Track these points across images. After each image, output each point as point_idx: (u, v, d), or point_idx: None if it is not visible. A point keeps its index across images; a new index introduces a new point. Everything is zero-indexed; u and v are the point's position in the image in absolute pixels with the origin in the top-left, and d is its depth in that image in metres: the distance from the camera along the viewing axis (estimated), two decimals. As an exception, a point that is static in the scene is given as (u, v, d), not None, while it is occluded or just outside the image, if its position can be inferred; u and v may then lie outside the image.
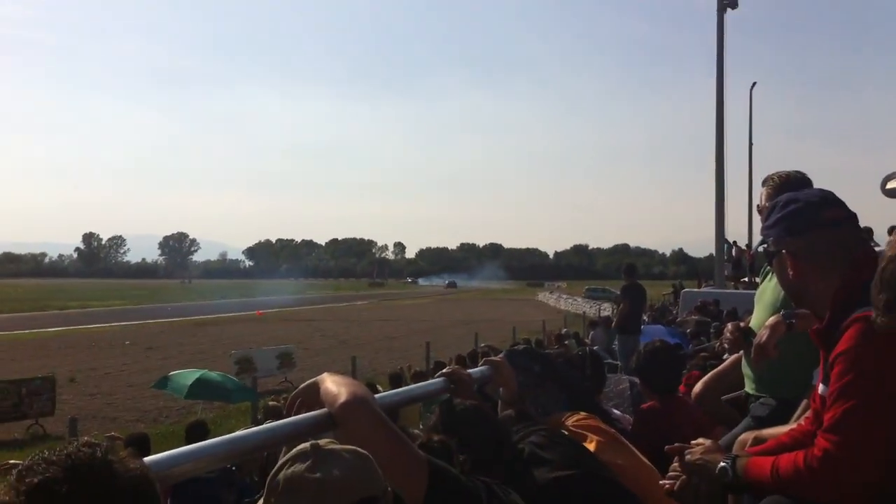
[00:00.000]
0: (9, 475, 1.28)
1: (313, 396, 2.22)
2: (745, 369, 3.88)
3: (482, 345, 20.50)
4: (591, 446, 2.99)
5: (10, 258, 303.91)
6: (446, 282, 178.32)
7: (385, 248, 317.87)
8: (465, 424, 2.52)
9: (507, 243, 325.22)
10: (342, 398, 2.08)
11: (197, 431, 8.77)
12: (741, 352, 3.89)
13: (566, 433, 3.00)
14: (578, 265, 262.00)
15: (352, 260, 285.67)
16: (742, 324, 3.85)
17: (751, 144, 43.40)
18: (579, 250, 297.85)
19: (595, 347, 16.51)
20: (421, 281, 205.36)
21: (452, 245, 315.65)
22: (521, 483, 2.44)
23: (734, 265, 28.93)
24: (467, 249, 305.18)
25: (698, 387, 4.67)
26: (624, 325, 13.86)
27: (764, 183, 3.93)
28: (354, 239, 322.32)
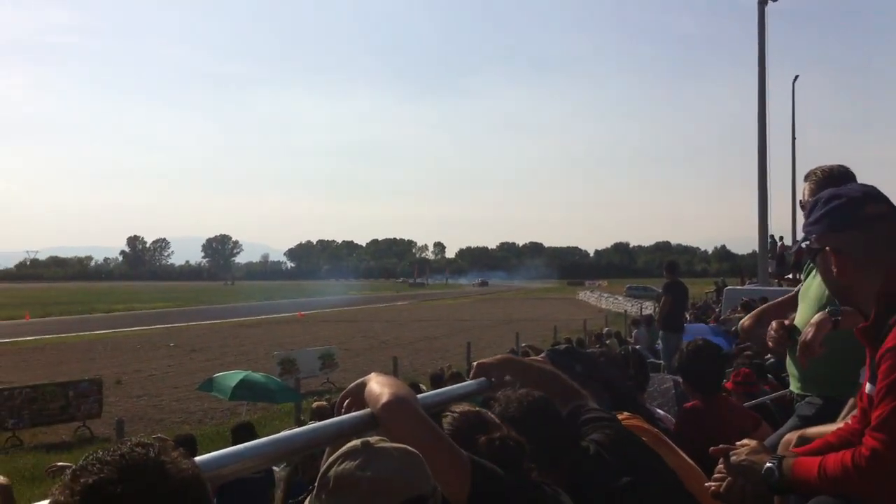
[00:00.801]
0: (62, 475, 1.29)
1: (361, 396, 2.23)
2: (791, 368, 3.82)
3: (523, 344, 20.47)
4: None
5: (56, 262, 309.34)
6: (478, 280, 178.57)
7: (425, 248, 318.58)
8: (515, 425, 2.41)
9: (548, 242, 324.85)
10: (384, 398, 2.08)
11: (243, 433, 8.84)
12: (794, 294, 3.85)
13: (630, 430, 2.92)
14: (619, 263, 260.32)
15: (392, 260, 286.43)
16: (787, 321, 3.80)
17: (794, 138, 42.89)
18: (620, 248, 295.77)
19: (638, 346, 16.43)
20: (460, 280, 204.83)
21: (492, 244, 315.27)
22: (583, 486, 2.38)
23: (778, 262, 28.53)
24: (507, 248, 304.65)
25: (748, 320, 4.52)
26: (668, 323, 13.72)
27: (806, 178, 3.87)
28: (394, 239, 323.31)
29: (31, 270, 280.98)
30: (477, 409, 2.44)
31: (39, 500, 1.45)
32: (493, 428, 2.27)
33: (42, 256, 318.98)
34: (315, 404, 10.83)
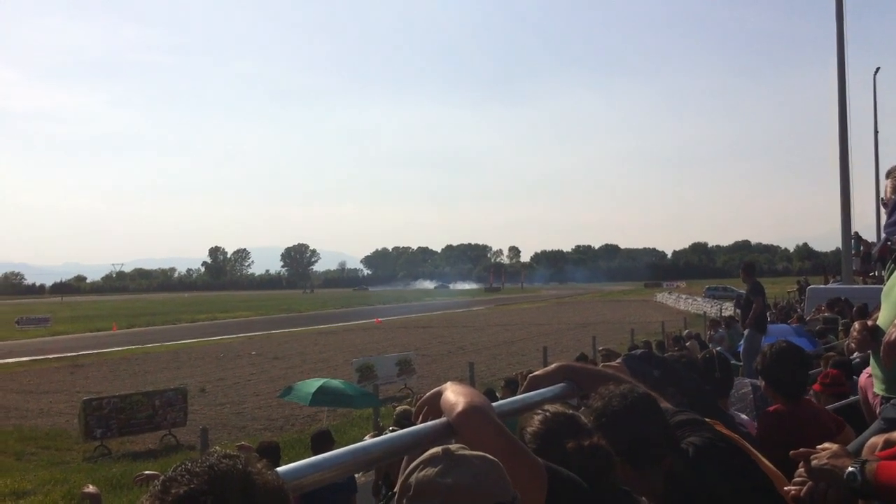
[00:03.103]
0: (151, 485, 1.32)
1: (437, 406, 2.24)
2: (875, 369, 3.73)
3: (600, 348, 20.24)
4: None
5: (141, 274, 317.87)
6: (438, 283, 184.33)
7: (500, 252, 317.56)
8: (616, 420, 2.38)
9: (624, 244, 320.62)
10: (459, 407, 2.10)
11: (322, 440, 8.94)
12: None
13: (727, 434, 2.81)
14: (698, 264, 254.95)
15: (467, 266, 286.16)
16: (870, 322, 3.70)
17: (876, 132, 41.77)
18: (698, 248, 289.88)
19: (718, 349, 16.10)
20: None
21: (568, 247, 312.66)
22: (682, 490, 2.35)
23: (863, 259, 27.68)
24: (583, 251, 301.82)
25: None
26: (759, 324, 13.34)
27: (888, 174, 3.78)
28: (469, 244, 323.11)
29: (118, 283, 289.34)
30: (570, 411, 2.40)
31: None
32: (584, 434, 2.25)
33: (127, 269, 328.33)
34: (399, 409, 10.79)
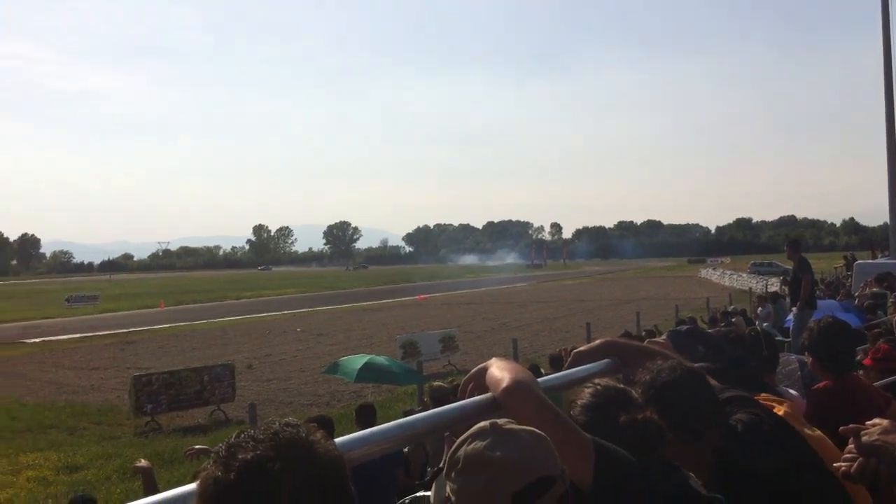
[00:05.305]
0: (216, 450, 1.35)
1: (482, 381, 2.25)
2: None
3: (653, 324, 20.14)
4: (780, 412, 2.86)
5: (187, 252, 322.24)
6: (352, 266, 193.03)
7: (541, 229, 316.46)
8: (665, 393, 2.37)
9: (667, 219, 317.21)
10: (505, 383, 2.10)
11: (366, 413, 9.10)
12: None
13: (776, 413, 2.80)
14: (742, 239, 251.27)
15: (509, 242, 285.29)
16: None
17: (925, 104, 40.77)
18: (742, 224, 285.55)
19: (766, 325, 15.94)
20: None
21: (610, 223, 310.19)
22: (731, 466, 2.34)
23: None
24: (625, 227, 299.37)
25: None
26: (811, 301, 13.14)
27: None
28: (510, 221, 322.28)
29: (164, 261, 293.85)
30: (622, 385, 2.38)
31: (179, 480, 1.53)
32: (637, 408, 2.23)
33: (173, 247, 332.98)
34: (435, 384, 10.89)
